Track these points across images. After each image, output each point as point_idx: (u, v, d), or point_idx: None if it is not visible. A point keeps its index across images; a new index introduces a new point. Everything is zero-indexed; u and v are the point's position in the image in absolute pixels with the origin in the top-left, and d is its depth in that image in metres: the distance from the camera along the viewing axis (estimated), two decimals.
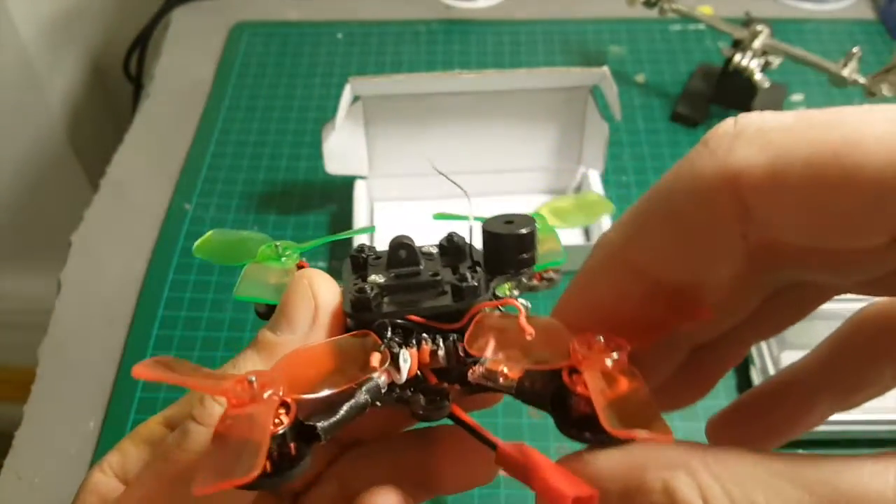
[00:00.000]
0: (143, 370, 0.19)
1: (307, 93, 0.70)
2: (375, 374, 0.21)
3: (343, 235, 0.28)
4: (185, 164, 0.63)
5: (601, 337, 0.20)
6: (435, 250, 0.24)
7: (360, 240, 0.53)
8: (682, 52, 0.73)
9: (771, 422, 0.26)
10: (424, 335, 0.22)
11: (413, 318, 0.22)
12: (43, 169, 0.86)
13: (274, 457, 0.19)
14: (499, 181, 0.58)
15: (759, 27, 0.61)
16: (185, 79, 0.71)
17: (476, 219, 0.25)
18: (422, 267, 0.23)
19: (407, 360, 0.22)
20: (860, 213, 0.17)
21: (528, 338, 0.21)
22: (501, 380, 0.22)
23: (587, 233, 0.57)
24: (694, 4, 0.65)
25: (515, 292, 0.26)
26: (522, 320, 0.21)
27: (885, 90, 0.56)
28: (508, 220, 0.24)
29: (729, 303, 0.22)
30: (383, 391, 0.21)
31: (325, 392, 0.20)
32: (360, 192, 0.56)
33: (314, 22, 0.77)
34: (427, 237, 0.26)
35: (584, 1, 0.78)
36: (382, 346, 0.22)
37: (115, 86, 0.89)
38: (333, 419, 0.20)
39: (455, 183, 0.26)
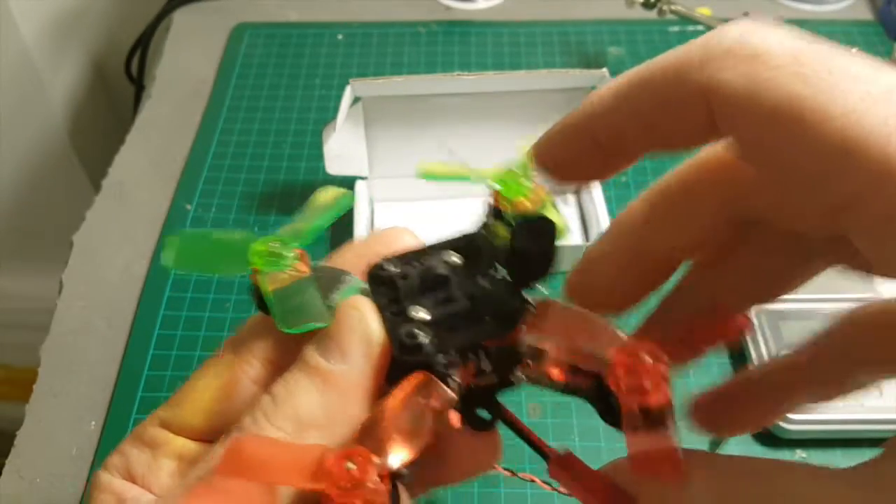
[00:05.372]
0: (234, 467, 0.19)
1: (308, 94, 0.70)
2: (440, 410, 0.22)
3: (328, 219, 0.26)
4: (186, 165, 0.63)
5: (646, 355, 0.21)
6: (458, 259, 0.24)
7: (359, 226, 0.53)
8: None
9: (752, 410, 0.27)
10: (469, 354, 0.23)
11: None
12: (44, 169, 0.86)
13: None
14: None
15: None
16: (186, 80, 0.71)
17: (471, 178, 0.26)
18: (455, 290, 0.23)
19: (458, 385, 0.22)
20: (802, 181, 0.18)
21: (581, 367, 0.23)
22: (546, 383, 0.23)
23: (586, 233, 0.57)
24: (693, 6, 0.66)
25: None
26: (571, 349, 0.23)
27: None
28: (533, 228, 0.24)
29: (694, 220, 0.24)
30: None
31: (414, 451, 0.20)
32: (360, 192, 0.57)
33: (315, 23, 0.77)
34: (426, 233, 0.26)
35: (583, 2, 0.78)
36: (457, 402, 0.22)
37: (117, 86, 0.89)
38: (414, 465, 0.21)
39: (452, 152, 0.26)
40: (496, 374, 0.23)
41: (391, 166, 0.58)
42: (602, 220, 0.53)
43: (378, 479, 0.19)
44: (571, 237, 0.57)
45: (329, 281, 0.24)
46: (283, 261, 0.24)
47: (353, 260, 0.26)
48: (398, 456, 0.20)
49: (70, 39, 0.83)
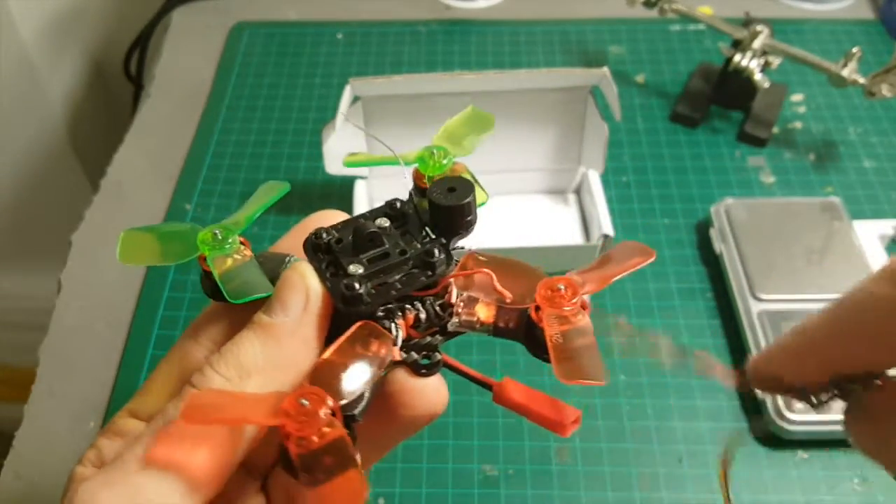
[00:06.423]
0: (195, 414, 0.21)
1: (307, 93, 0.70)
2: (384, 354, 0.24)
3: (263, 207, 0.29)
4: (185, 165, 0.63)
5: (562, 285, 0.24)
6: (386, 223, 0.27)
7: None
8: (682, 52, 0.73)
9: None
10: (407, 305, 0.25)
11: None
12: (43, 169, 0.86)
13: None
14: (499, 181, 0.58)
15: (758, 27, 0.61)
16: (185, 79, 0.71)
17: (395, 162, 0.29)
18: (387, 246, 0.26)
19: (399, 331, 0.25)
20: None
21: (507, 300, 0.25)
22: (478, 325, 0.26)
23: (587, 233, 0.57)
24: (693, 5, 0.66)
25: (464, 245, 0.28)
26: (497, 285, 0.25)
27: (885, 90, 0.56)
28: (450, 187, 0.26)
29: None
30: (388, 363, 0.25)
31: (361, 387, 0.23)
32: (359, 192, 0.56)
33: (314, 22, 0.77)
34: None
35: (584, 1, 0.78)
36: (397, 341, 0.24)
37: (116, 86, 0.89)
38: (363, 404, 0.24)
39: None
40: (434, 324, 0.25)
41: (391, 166, 0.58)
42: (603, 219, 0.53)
43: (329, 411, 0.21)
44: (571, 237, 0.57)
45: (275, 263, 0.27)
46: (227, 245, 0.26)
47: (295, 242, 0.28)
48: (347, 392, 0.22)
49: (69, 39, 0.83)
